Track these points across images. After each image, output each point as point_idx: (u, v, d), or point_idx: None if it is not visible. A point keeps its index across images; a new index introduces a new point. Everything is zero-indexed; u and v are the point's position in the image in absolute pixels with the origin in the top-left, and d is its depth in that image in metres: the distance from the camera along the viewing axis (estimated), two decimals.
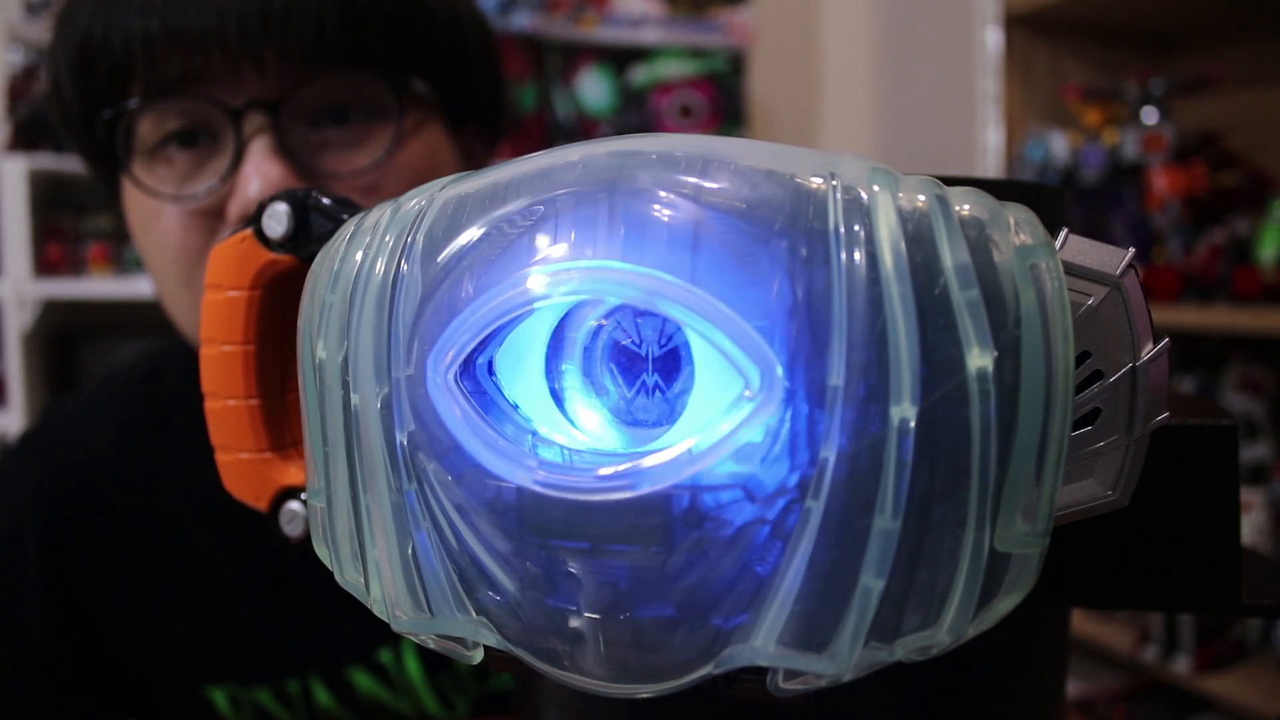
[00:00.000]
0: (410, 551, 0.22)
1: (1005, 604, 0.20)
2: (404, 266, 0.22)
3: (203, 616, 0.60)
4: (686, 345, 0.21)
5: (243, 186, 0.46)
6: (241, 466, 0.30)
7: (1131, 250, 0.23)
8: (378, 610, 0.23)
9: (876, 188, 0.19)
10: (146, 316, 1.79)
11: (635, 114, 2.02)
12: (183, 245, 0.49)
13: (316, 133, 0.48)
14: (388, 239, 0.22)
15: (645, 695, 0.21)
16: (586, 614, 0.21)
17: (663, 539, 0.20)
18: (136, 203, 0.50)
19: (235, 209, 0.47)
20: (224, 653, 0.60)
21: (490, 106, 0.58)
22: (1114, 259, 0.22)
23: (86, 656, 0.59)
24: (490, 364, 0.22)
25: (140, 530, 0.59)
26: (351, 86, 0.48)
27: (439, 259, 0.22)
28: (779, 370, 0.19)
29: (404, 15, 0.49)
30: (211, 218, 0.48)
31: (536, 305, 0.20)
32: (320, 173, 0.48)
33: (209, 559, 0.59)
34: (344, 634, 0.58)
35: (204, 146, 0.48)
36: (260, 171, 0.46)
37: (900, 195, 0.19)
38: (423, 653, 0.60)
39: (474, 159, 0.57)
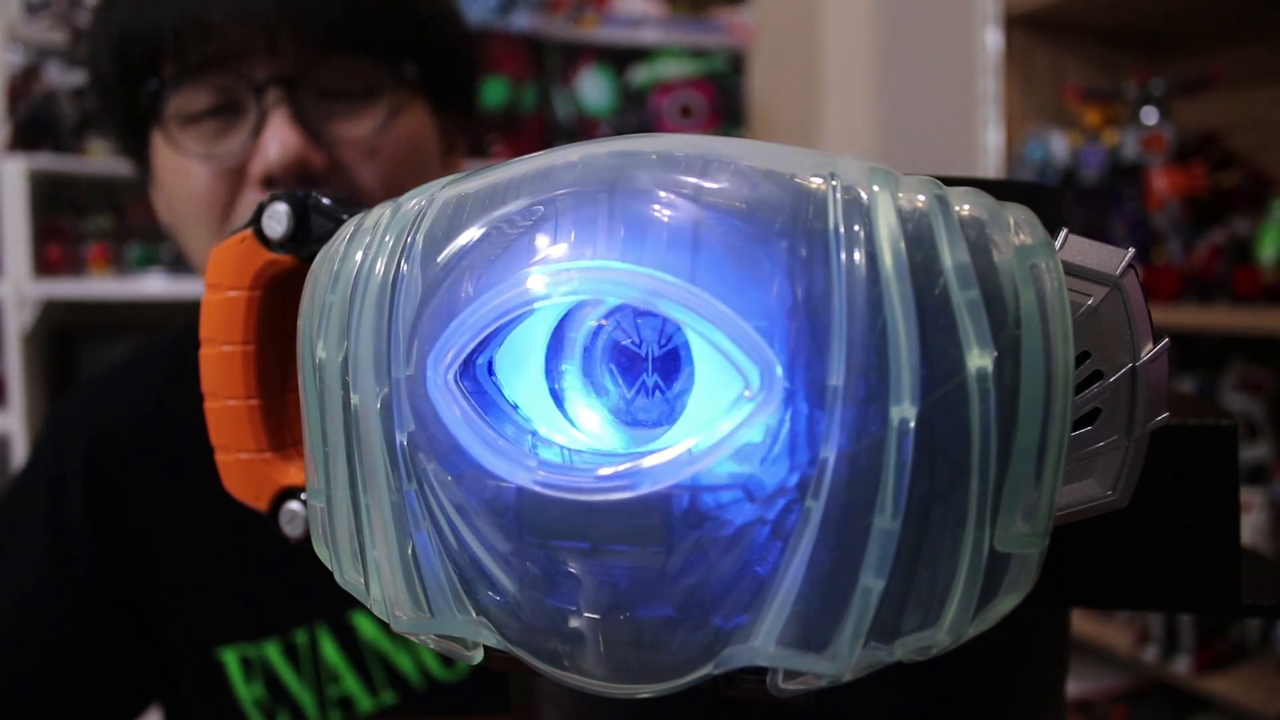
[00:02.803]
0: (410, 551, 0.22)
1: (1005, 604, 0.20)
2: (404, 266, 0.22)
3: (218, 570, 0.64)
4: (686, 345, 0.21)
5: (264, 148, 0.55)
6: (241, 466, 0.30)
7: (1131, 250, 0.23)
8: (378, 610, 0.23)
9: (876, 188, 0.19)
10: (146, 316, 1.80)
11: (635, 114, 2.02)
12: (211, 198, 0.57)
13: (324, 106, 0.57)
14: (388, 239, 0.22)
15: (645, 695, 0.21)
16: (586, 614, 0.21)
17: (663, 539, 0.20)
18: (169, 163, 0.59)
19: (257, 167, 0.55)
20: (236, 606, 0.64)
21: (466, 93, 0.67)
22: (1114, 259, 0.22)
23: (121, 605, 0.63)
24: (490, 364, 0.22)
25: (169, 484, 0.65)
26: (353, 68, 0.57)
27: (439, 259, 0.22)
28: (779, 370, 0.19)
29: (398, 7, 0.58)
30: (236, 175, 0.57)
31: (536, 305, 0.20)
32: (330, 139, 0.57)
33: (228, 512, 0.61)
34: None
35: (227, 118, 0.57)
36: (279, 136, 0.54)
37: (900, 195, 0.19)
38: None
39: (452, 142, 0.66)
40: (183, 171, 0.58)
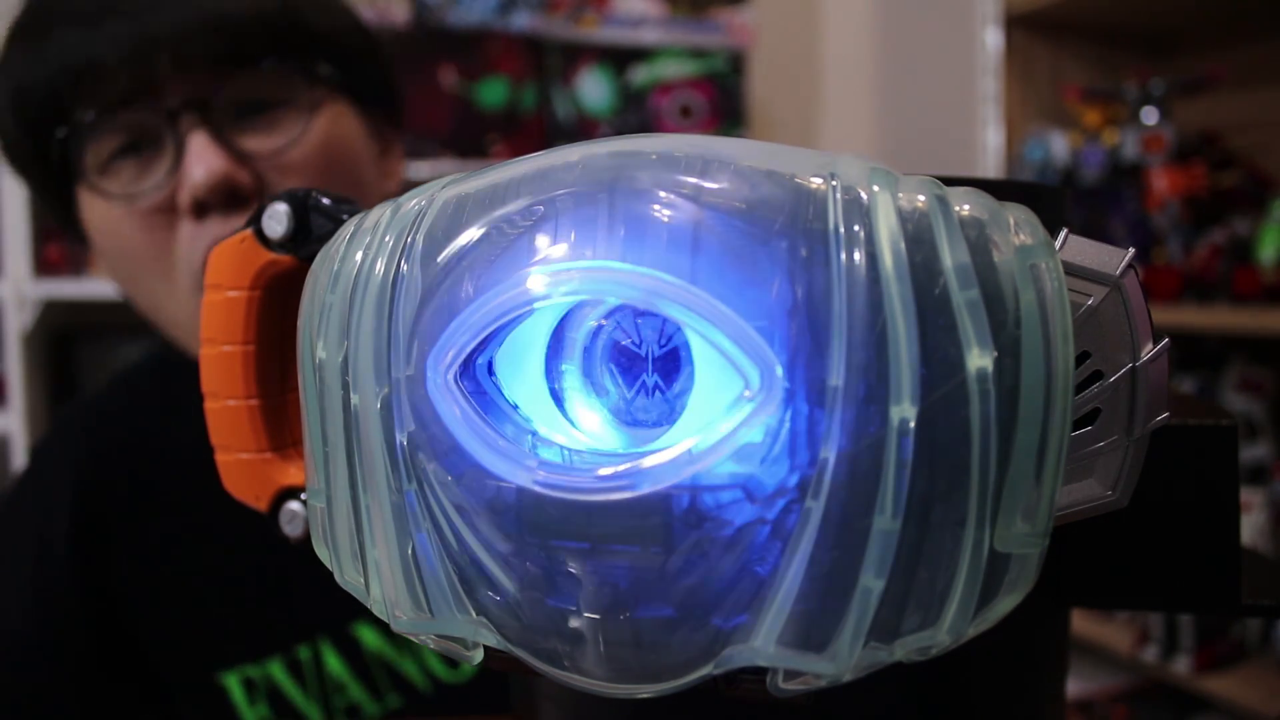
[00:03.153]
0: (410, 552, 0.22)
1: (1005, 604, 0.20)
2: (404, 266, 0.22)
3: (215, 595, 0.62)
4: (686, 345, 0.21)
5: (188, 174, 0.53)
6: (241, 466, 0.30)
7: (1131, 250, 0.23)
8: (377, 610, 0.23)
9: (876, 188, 0.19)
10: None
11: (635, 114, 2.02)
12: (149, 242, 0.55)
13: (240, 123, 0.55)
14: (388, 239, 0.22)
15: (645, 695, 0.21)
16: (586, 614, 0.21)
17: (663, 539, 0.20)
18: (97, 216, 0.56)
19: (185, 195, 0.53)
20: (236, 629, 0.62)
21: (386, 90, 0.65)
22: (1114, 259, 0.22)
23: (111, 638, 0.62)
24: (490, 364, 0.22)
25: (159, 514, 0.63)
26: (265, 77, 0.55)
27: (439, 259, 0.22)
28: (779, 370, 0.19)
29: (294, 12, 0.57)
30: (166, 213, 0.55)
31: (536, 305, 0.20)
32: (249, 154, 0.54)
33: (216, 536, 0.61)
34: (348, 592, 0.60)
35: (146, 155, 0.55)
36: (201, 159, 0.52)
37: (900, 195, 0.19)
38: None
39: (386, 143, 0.65)
40: (112, 222, 0.56)
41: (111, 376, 0.71)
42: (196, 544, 0.62)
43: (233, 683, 0.61)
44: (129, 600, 0.62)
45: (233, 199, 0.54)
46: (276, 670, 0.62)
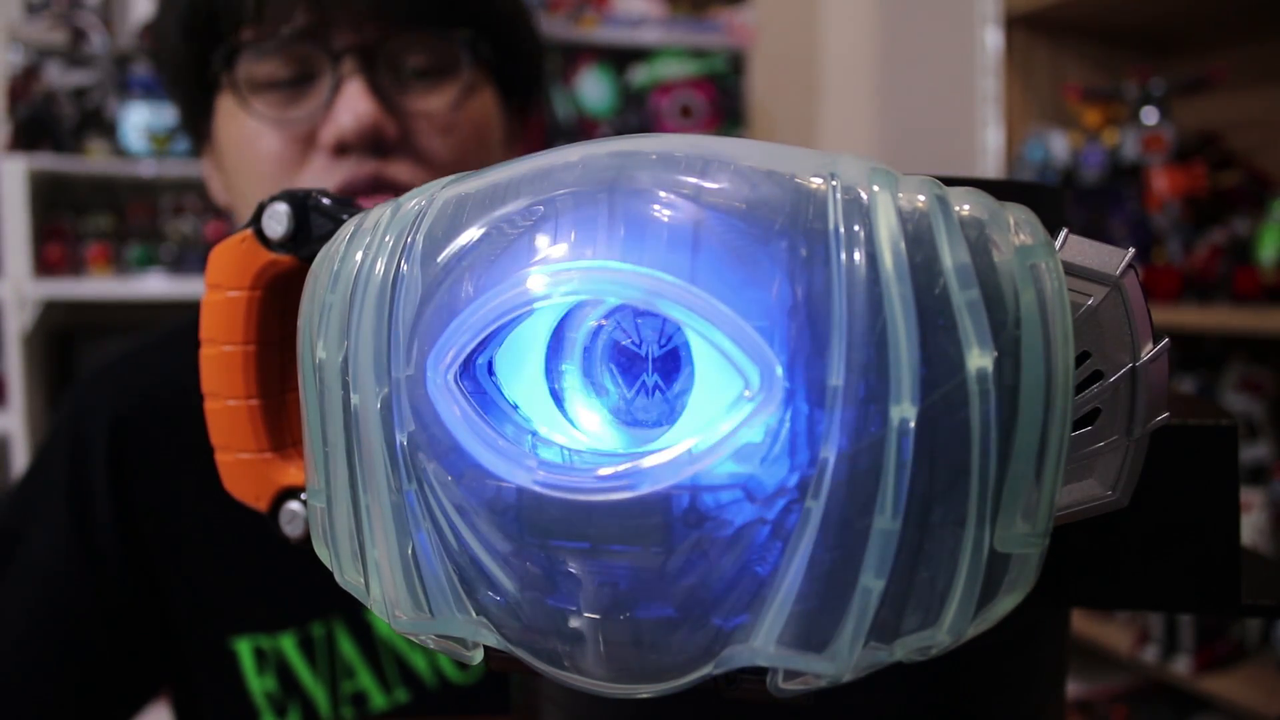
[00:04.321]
0: (410, 551, 0.22)
1: (1005, 604, 0.20)
2: (404, 266, 0.22)
3: (238, 557, 0.63)
4: (686, 345, 0.21)
5: (337, 114, 0.55)
6: (241, 466, 0.30)
7: (1131, 250, 0.23)
8: (377, 610, 0.23)
9: (876, 188, 0.19)
10: (146, 316, 1.79)
11: (635, 114, 2.02)
12: (280, 162, 0.57)
13: (400, 80, 0.57)
14: (388, 239, 0.22)
15: (645, 695, 0.21)
16: (586, 614, 0.21)
17: (663, 539, 0.20)
18: (235, 130, 0.59)
19: (329, 133, 0.55)
20: (253, 596, 0.63)
21: (531, 86, 0.68)
22: (1114, 259, 0.22)
23: (139, 583, 0.63)
24: (490, 364, 0.22)
25: (194, 465, 0.63)
26: (431, 44, 0.58)
27: (439, 259, 0.22)
28: (779, 370, 0.19)
29: None
30: (305, 142, 0.57)
31: (536, 305, 0.20)
32: (404, 111, 0.57)
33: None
34: None
35: (299, 88, 0.57)
36: (354, 104, 0.54)
37: (900, 195, 0.19)
38: None
39: (513, 131, 0.66)
40: (250, 137, 0.58)
41: (158, 331, 0.72)
42: (226, 504, 0.63)
43: (244, 649, 0.62)
44: (156, 549, 0.63)
45: (375, 147, 0.55)
46: (288, 644, 0.62)
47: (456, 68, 0.59)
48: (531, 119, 0.70)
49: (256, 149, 0.58)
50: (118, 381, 0.67)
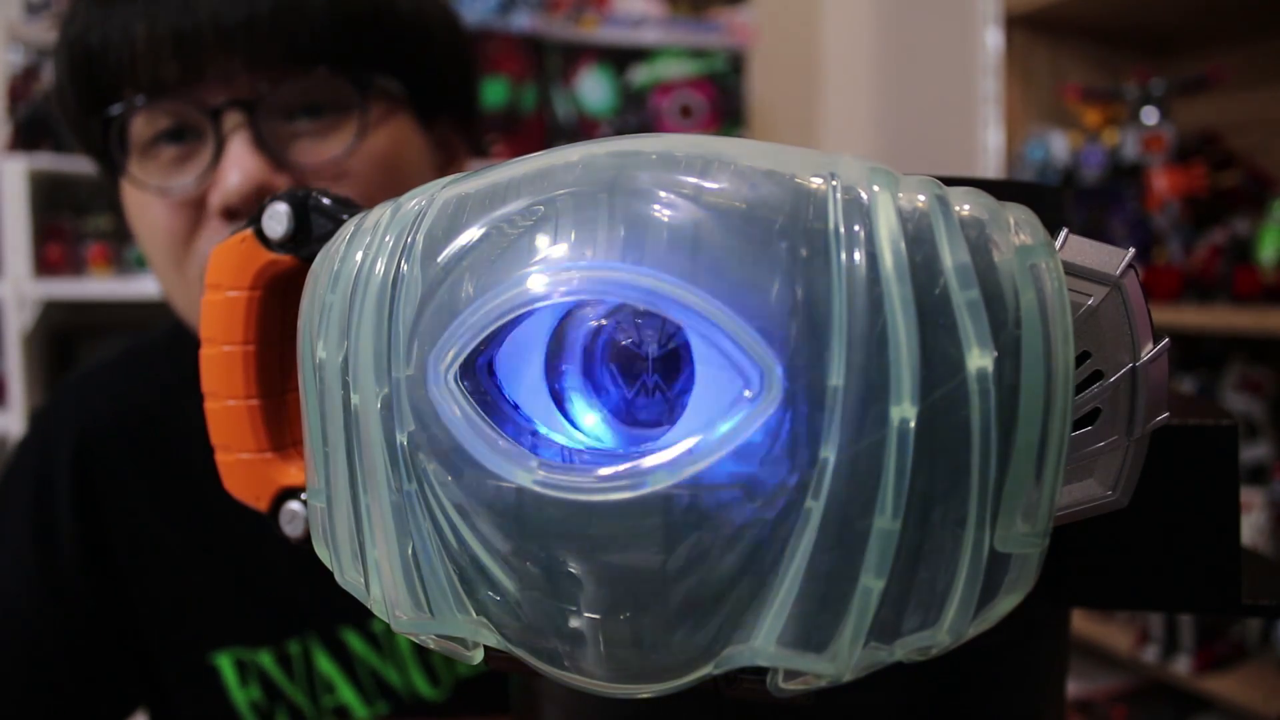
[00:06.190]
0: (410, 551, 0.22)
1: (1005, 604, 0.20)
2: (404, 266, 0.22)
3: (211, 575, 0.63)
4: (686, 345, 0.21)
5: (223, 178, 0.51)
6: (241, 467, 0.30)
7: (1131, 250, 0.23)
8: (377, 610, 0.23)
9: (876, 188, 0.19)
10: (146, 316, 1.79)
11: (635, 114, 2.02)
12: (170, 233, 0.54)
13: (290, 126, 0.52)
14: (388, 239, 0.22)
15: (645, 695, 0.21)
16: (586, 614, 0.21)
17: (663, 539, 0.20)
18: (132, 197, 0.55)
19: (216, 198, 0.51)
20: (229, 613, 0.62)
21: (461, 99, 0.62)
22: (1114, 259, 0.22)
23: (108, 606, 0.62)
24: (490, 364, 0.22)
25: (160, 486, 0.63)
26: (321, 85, 0.52)
27: (439, 259, 0.22)
28: (779, 370, 0.19)
29: (372, 20, 0.53)
30: (195, 208, 0.53)
31: (536, 306, 0.20)
32: (293, 164, 0.52)
33: (223, 518, 0.61)
34: (340, 595, 0.60)
35: (189, 143, 0.53)
36: (239, 164, 0.50)
37: (900, 195, 0.19)
38: None
39: (450, 148, 0.62)
40: (143, 207, 0.54)
41: (125, 346, 0.70)
42: (198, 520, 0.62)
43: (225, 663, 0.62)
44: (125, 571, 0.62)
45: None
46: (267, 660, 0.62)
47: (352, 104, 0.53)
48: (475, 121, 0.65)
49: (149, 220, 0.54)
50: (80, 404, 0.65)
